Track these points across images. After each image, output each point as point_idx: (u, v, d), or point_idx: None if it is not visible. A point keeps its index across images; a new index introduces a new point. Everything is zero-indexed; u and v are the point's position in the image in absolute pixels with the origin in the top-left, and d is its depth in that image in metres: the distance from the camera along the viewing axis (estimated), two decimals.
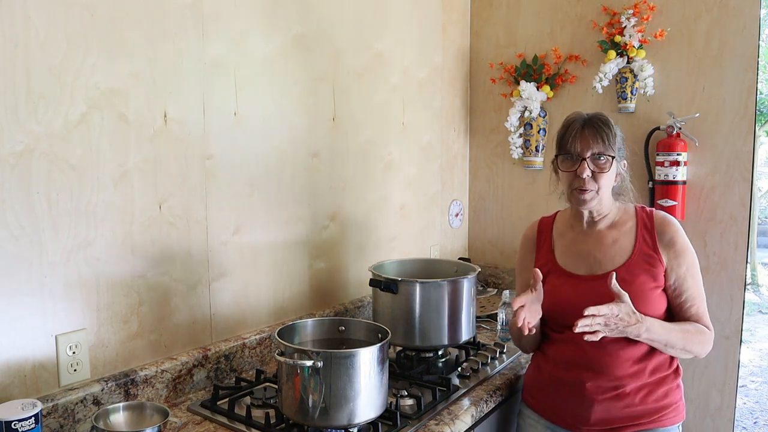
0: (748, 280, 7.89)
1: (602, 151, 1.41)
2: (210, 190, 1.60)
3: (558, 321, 1.49)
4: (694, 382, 2.18)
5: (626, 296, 1.31)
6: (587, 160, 1.41)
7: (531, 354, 1.63)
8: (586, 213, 1.49)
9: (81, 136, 1.30)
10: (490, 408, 1.57)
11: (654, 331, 1.35)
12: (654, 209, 1.50)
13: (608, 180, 1.43)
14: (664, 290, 1.44)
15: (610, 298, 1.32)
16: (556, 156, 1.48)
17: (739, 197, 2.08)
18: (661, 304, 1.42)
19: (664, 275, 1.43)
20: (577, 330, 1.26)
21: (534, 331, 1.39)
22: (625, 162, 1.50)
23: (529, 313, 1.36)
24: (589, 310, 1.26)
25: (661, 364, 1.43)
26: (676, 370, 1.47)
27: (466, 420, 1.45)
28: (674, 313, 1.46)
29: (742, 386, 4.87)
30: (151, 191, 1.46)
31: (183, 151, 1.52)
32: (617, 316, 1.30)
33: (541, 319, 1.47)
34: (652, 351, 1.42)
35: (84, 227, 1.33)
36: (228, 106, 1.63)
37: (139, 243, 1.44)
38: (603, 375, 1.41)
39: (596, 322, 1.27)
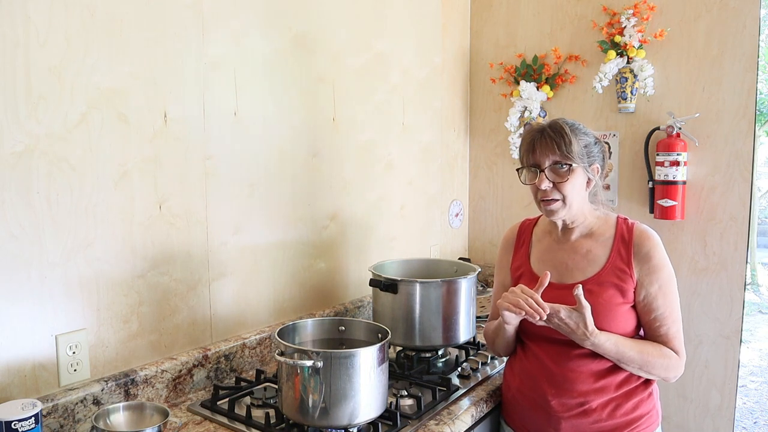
0: (748, 280, 7.89)
1: (559, 159, 1.37)
2: (210, 190, 1.60)
3: (523, 327, 1.47)
4: (694, 382, 2.18)
5: (587, 309, 1.30)
6: (546, 171, 1.38)
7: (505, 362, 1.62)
8: (558, 221, 1.46)
9: (81, 136, 1.30)
10: (490, 408, 1.57)
11: (601, 347, 1.33)
12: (636, 222, 1.45)
13: (573, 188, 1.39)
14: (634, 306, 1.40)
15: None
16: (518, 170, 1.46)
17: (739, 197, 2.08)
18: (628, 321, 1.39)
19: (634, 291, 1.39)
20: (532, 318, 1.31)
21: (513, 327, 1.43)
22: (597, 166, 1.43)
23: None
24: (551, 306, 1.31)
25: (628, 377, 1.39)
26: (648, 380, 1.42)
27: (466, 420, 1.45)
28: (645, 330, 1.43)
29: (742, 386, 4.87)
30: (151, 191, 1.46)
31: (183, 151, 1.52)
32: (568, 317, 1.31)
33: None
34: (618, 366, 1.39)
35: (84, 227, 1.33)
36: (228, 106, 1.63)
37: (139, 243, 1.44)
38: (566, 391, 1.39)
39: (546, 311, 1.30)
